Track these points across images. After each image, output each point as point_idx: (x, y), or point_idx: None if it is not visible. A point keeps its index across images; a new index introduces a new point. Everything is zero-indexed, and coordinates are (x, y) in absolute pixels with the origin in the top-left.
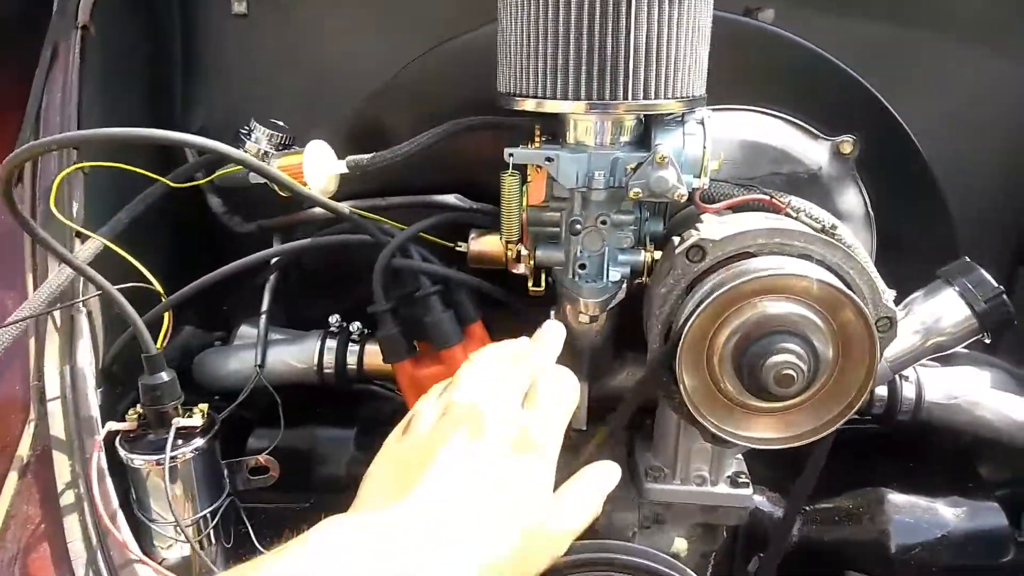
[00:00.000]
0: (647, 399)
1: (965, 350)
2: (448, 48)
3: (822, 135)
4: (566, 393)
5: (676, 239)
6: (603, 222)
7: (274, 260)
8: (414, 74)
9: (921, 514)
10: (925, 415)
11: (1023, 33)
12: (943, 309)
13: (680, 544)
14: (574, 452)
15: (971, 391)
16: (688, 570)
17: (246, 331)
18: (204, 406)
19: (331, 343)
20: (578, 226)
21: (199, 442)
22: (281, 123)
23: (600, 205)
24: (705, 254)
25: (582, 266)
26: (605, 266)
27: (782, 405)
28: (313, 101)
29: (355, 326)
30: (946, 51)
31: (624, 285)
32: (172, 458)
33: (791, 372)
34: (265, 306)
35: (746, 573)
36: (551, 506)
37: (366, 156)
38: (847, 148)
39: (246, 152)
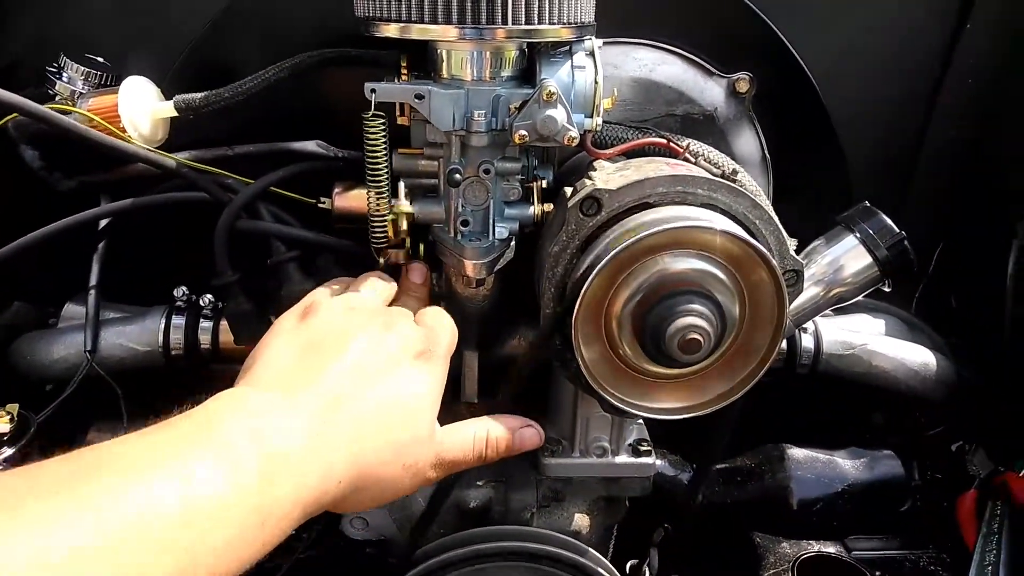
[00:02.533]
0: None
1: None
2: None
3: (717, 72)
4: (447, 320)
5: (568, 190)
6: (486, 171)
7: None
8: None
9: (821, 468)
10: (824, 367)
11: None
12: (844, 257)
13: (582, 520)
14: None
15: (867, 340)
16: (588, 548)
17: (73, 310)
18: (14, 407)
19: (178, 320)
20: (457, 176)
21: (7, 452)
22: (100, 59)
23: (482, 151)
24: (601, 206)
25: (465, 222)
26: (490, 222)
27: (686, 371)
28: (139, 31)
29: (206, 299)
30: None
31: (512, 243)
32: None
33: (697, 336)
34: (93, 279)
35: (650, 543)
36: (436, 424)
37: (198, 95)
38: (743, 87)
39: (57, 94)
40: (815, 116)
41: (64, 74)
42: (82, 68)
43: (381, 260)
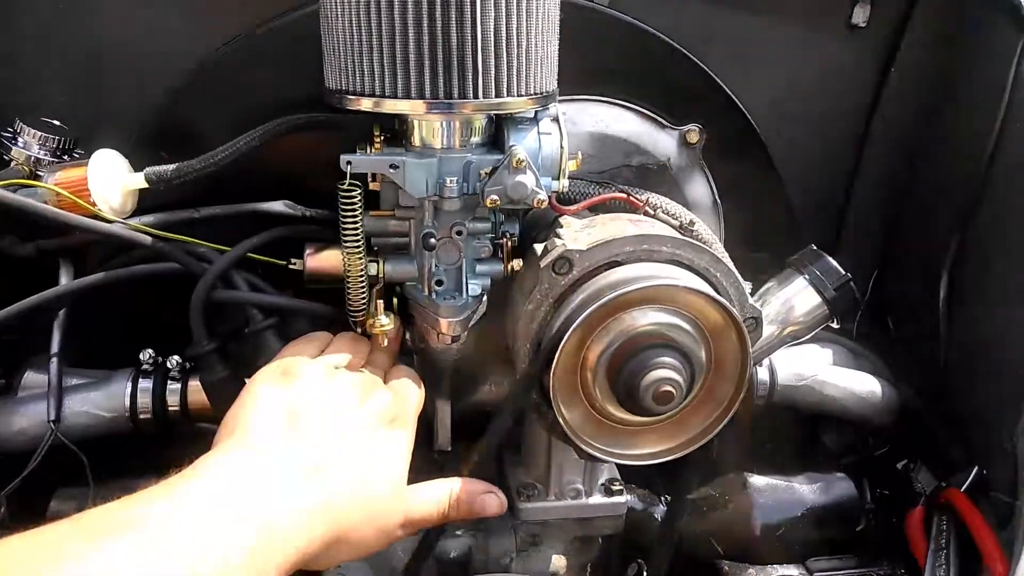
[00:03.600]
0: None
1: None
2: (267, 32)
3: (669, 124)
4: (416, 383)
5: (538, 248)
6: (458, 232)
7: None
8: (225, 63)
9: (781, 494)
10: (778, 397)
11: (844, 14)
12: (795, 298)
13: (559, 562)
14: (440, 472)
15: (817, 371)
16: None
17: (34, 378)
18: None
19: (145, 383)
20: (433, 240)
21: None
22: (56, 122)
23: (454, 214)
24: (572, 265)
25: (439, 282)
26: (464, 280)
27: (660, 418)
28: (97, 94)
29: (173, 360)
30: (774, 35)
31: (484, 299)
32: None
33: (669, 388)
34: (55, 348)
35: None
36: (405, 487)
37: (170, 167)
38: (694, 137)
39: (13, 160)
40: (759, 160)
41: (20, 139)
42: (38, 133)
43: (358, 330)
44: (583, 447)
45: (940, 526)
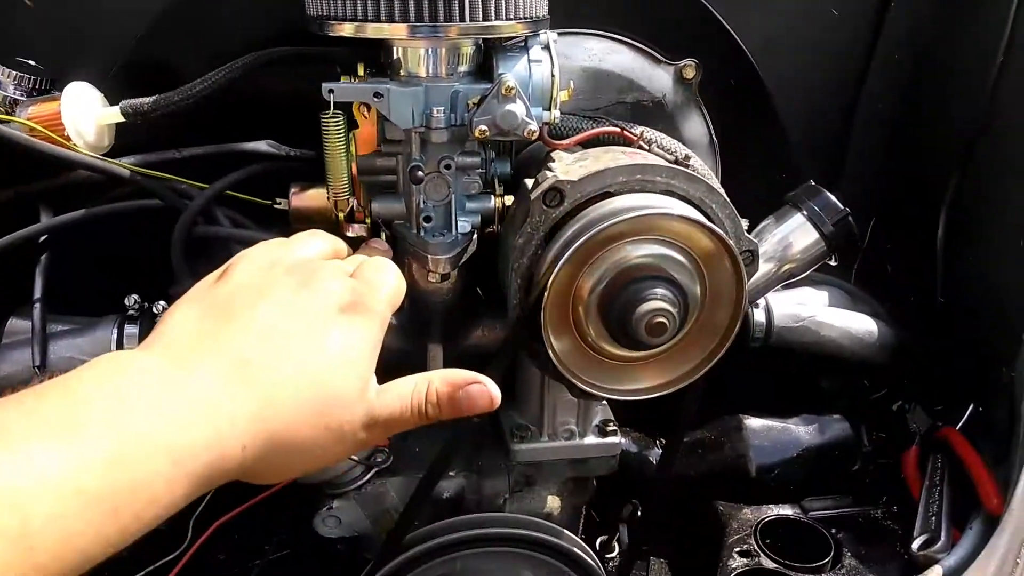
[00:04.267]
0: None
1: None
2: None
3: (664, 59)
4: (389, 272)
5: (528, 182)
6: (447, 166)
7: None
8: None
9: (777, 436)
10: (775, 339)
11: None
12: (793, 234)
13: (553, 503)
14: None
15: (815, 312)
16: (564, 530)
17: (17, 324)
18: None
19: (131, 329)
20: (420, 172)
21: None
22: (32, 63)
23: (442, 147)
24: (563, 198)
25: (427, 218)
26: (453, 216)
27: (654, 352)
28: (72, 32)
29: (159, 306)
30: None
31: (475, 237)
32: None
33: (663, 319)
34: (37, 292)
35: (619, 519)
36: (370, 383)
37: (147, 100)
38: (690, 73)
39: None
40: (757, 98)
41: None
42: (13, 73)
43: (348, 233)
44: (576, 383)
45: (935, 464)
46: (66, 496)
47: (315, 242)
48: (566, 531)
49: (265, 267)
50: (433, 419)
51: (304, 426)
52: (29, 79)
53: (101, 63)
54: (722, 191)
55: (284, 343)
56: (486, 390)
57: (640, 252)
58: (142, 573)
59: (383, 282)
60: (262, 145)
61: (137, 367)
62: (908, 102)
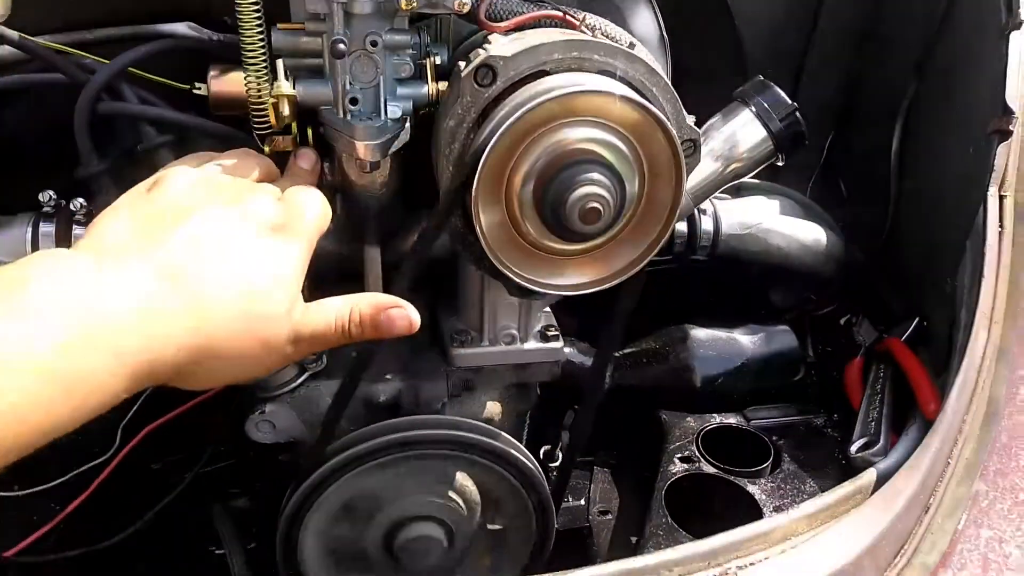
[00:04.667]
0: (446, 252)
1: (755, 180)
2: None
3: None
4: (317, 199)
5: (462, 63)
6: (373, 43)
7: None
8: None
9: (722, 346)
10: (723, 247)
11: None
12: (740, 132)
13: (493, 408)
14: None
15: (763, 219)
16: (501, 432)
17: None
18: None
19: (47, 228)
20: (342, 46)
21: None
22: None
23: (367, 20)
24: (496, 75)
25: (354, 100)
26: (382, 100)
27: (589, 245)
28: None
29: (77, 203)
30: None
31: (407, 125)
32: None
33: (596, 205)
34: None
35: (560, 426)
36: (296, 299)
37: None
38: None
39: None
40: None
41: None
42: None
43: (267, 148)
44: (511, 276)
45: (878, 374)
46: (24, 371)
47: (246, 162)
48: (504, 434)
49: (197, 183)
50: (356, 339)
51: (233, 335)
52: None
53: None
54: (665, 75)
55: (215, 256)
56: (406, 313)
57: (573, 136)
58: (71, 474)
59: (310, 207)
60: (181, 27)
61: (75, 265)
62: (868, 13)
